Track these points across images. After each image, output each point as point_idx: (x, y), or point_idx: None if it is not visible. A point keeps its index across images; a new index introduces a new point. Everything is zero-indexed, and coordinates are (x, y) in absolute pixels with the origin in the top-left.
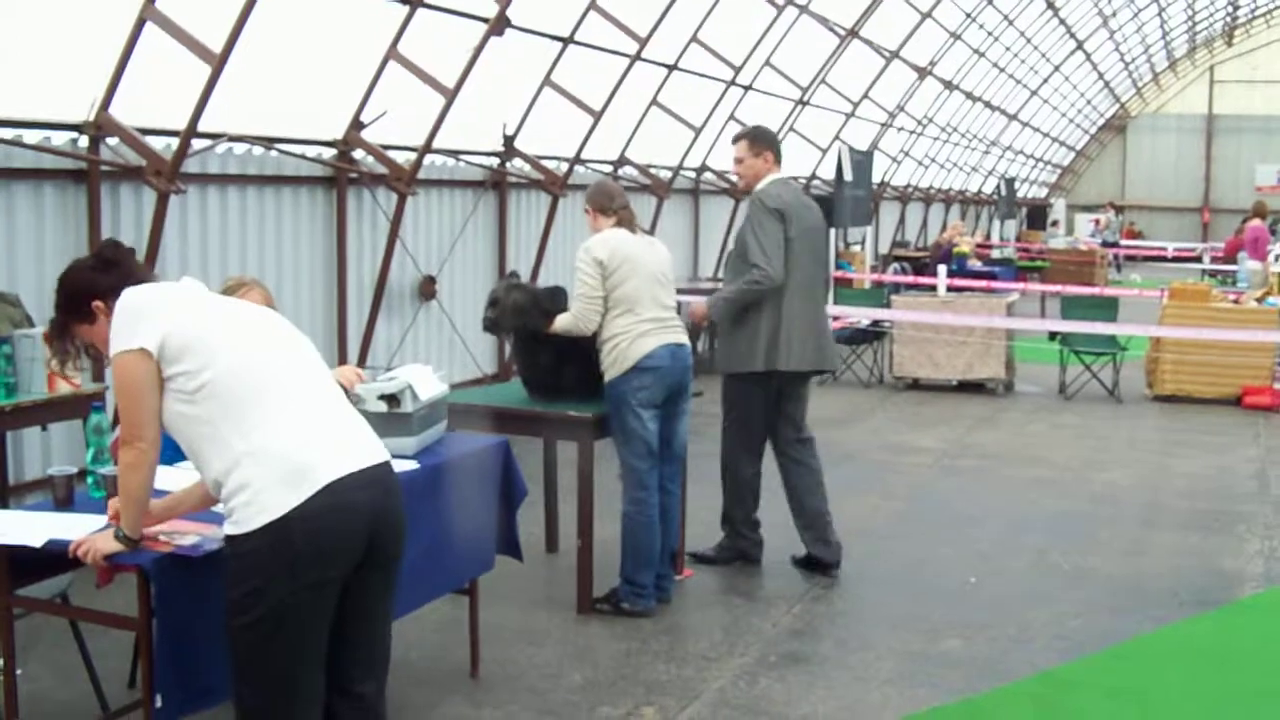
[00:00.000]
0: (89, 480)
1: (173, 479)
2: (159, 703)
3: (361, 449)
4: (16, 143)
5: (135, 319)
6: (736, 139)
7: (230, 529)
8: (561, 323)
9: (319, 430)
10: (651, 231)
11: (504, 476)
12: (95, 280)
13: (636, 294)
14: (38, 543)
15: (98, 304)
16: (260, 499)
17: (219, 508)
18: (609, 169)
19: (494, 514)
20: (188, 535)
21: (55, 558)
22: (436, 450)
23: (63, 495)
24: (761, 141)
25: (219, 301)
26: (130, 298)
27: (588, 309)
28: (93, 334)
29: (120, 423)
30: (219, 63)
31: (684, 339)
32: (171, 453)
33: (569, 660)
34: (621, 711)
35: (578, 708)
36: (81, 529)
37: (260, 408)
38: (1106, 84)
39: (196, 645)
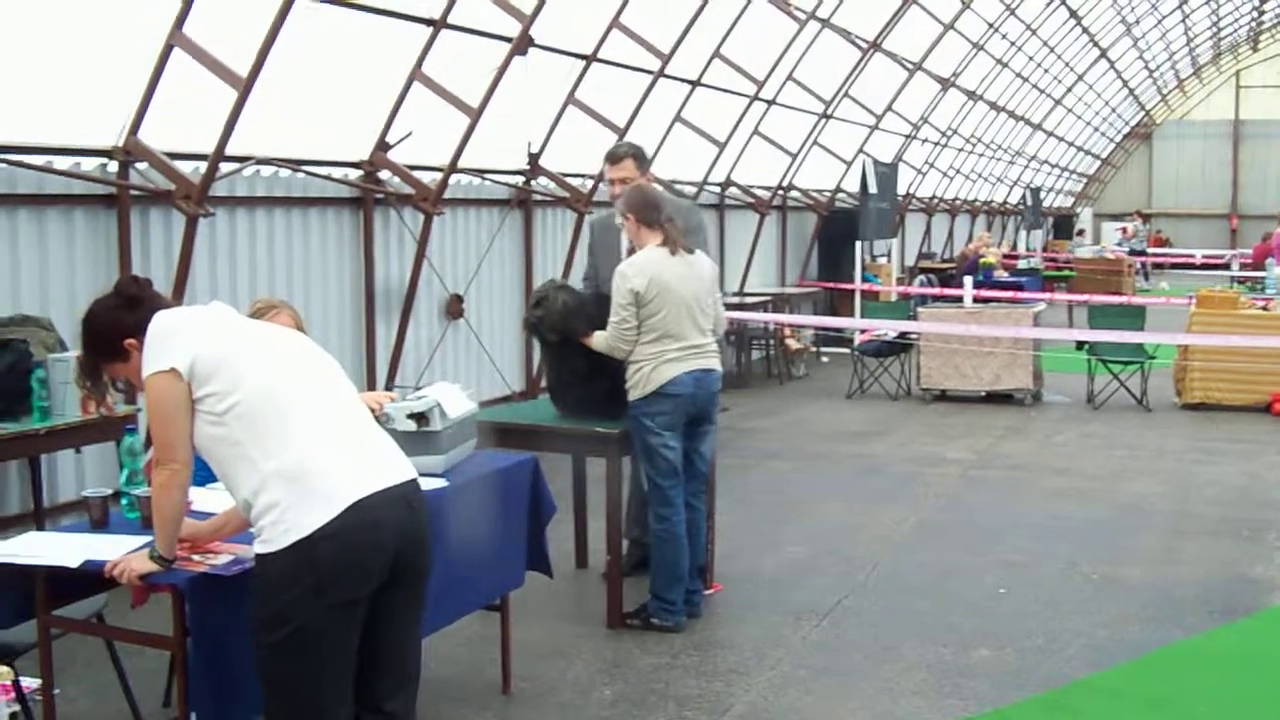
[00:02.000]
0: (123, 502)
1: (209, 500)
2: None
3: (387, 467)
4: (48, 169)
5: (165, 341)
6: (620, 159)
7: (259, 548)
8: (597, 341)
9: (345, 450)
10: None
11: (533, 493)
12: (122, 319)
13: (670, 323)
14: (74, 563)
15: (130, 342)
16: (287, 518)
17: (251, 529)
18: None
19: (523, 530)
20: (221, 555)
21: (91, 578)
22: (465, 468)
23: (98, 516)
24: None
25: (247, 324)
26: (161, 322)
27: (621, 337)
28: (127, 370)
29: (153, 444)
30: (245, 87)
31: (713, 364)
32: (205, 474)
33: (600, 675)
34: None
35: None
36: (117, 550)
37: (286, 429)
38: (1131, 91)
39: (231, 663)
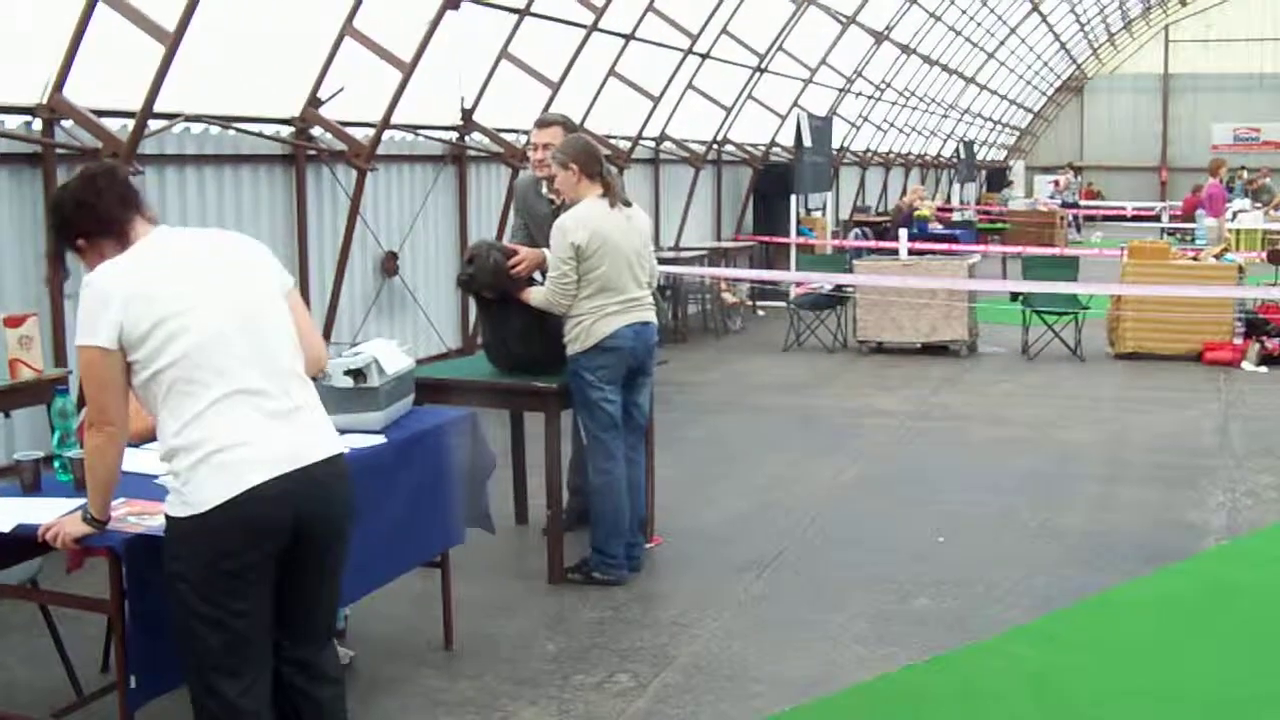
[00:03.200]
0: (55, 465)
1: (140, 460)
2: (133, 683)
3: (302, 447)
4: None
5: (96, 313)
6: (548, 124)
7: (166, 508)
8: (535, 297)
9: (257, 428)
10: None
11: (472, 449)
12: (74, 220)
13: (610, 277)
14: (5, 528)
15: (81, 242)
16: (185, 490)
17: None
18: None
19: (463, 486)
20: (157, 516)
21: (24, 543)
22: (404, 424)
23: (30, 480)
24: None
25: (181, 267)
26: (95, 285)
27: (561, 292)
28: (84, 262)
29: (86, 406)
30: (173, 42)
31: (650, 317)
32: None
33: (542, 630)
34: (596, 679)
35: (552, 676)
36: (49, 513)
37: (200, 402)
38: (1063, 46)
39: (168, 625)
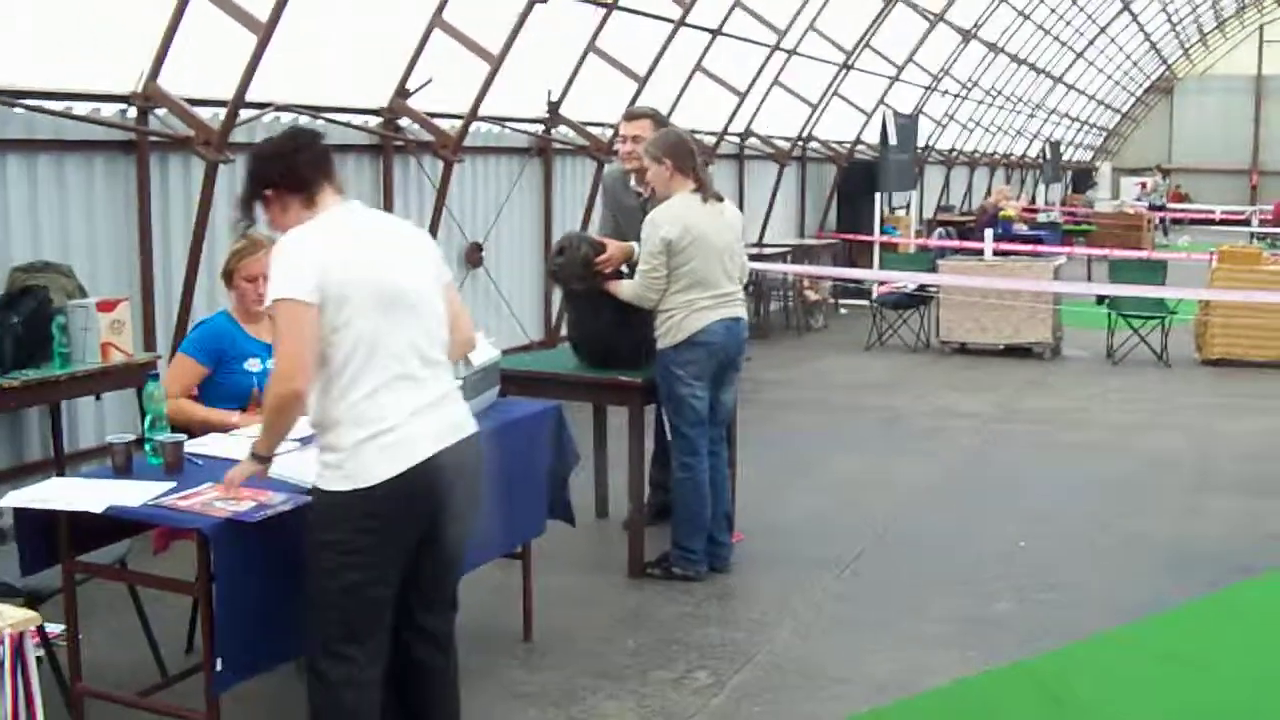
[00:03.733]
0: (146, 448)
1: (230, 445)
2: (219, 666)
3: (456, 423)
4: (67, 115)
5: (299, 265)
6: (637, 117)
7: (319, 481)
8: (625, 290)
9: (420, 405)
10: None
11: (556, 442)
12: (266, 170)
13: (701, 273)
14: (98, 508)
15: (269, 193)
16: (348, 466)
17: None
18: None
19: (546, 479)
20: (245, 501)
21: (114, 525)
22: (489, 416)
23: (121, 462)
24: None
25: (372, 245)
26: (293, 244)
27: (650, 286)
28: (265, 212)
29: (276, 358)
30: (266, 32)
31: (741, 313)
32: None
33: (622, 624)
34: (675, 675)
35: (631, 671)
36: (140, 495)
37: (372, 382)
38: (1153, 45)
39: (255, 609)
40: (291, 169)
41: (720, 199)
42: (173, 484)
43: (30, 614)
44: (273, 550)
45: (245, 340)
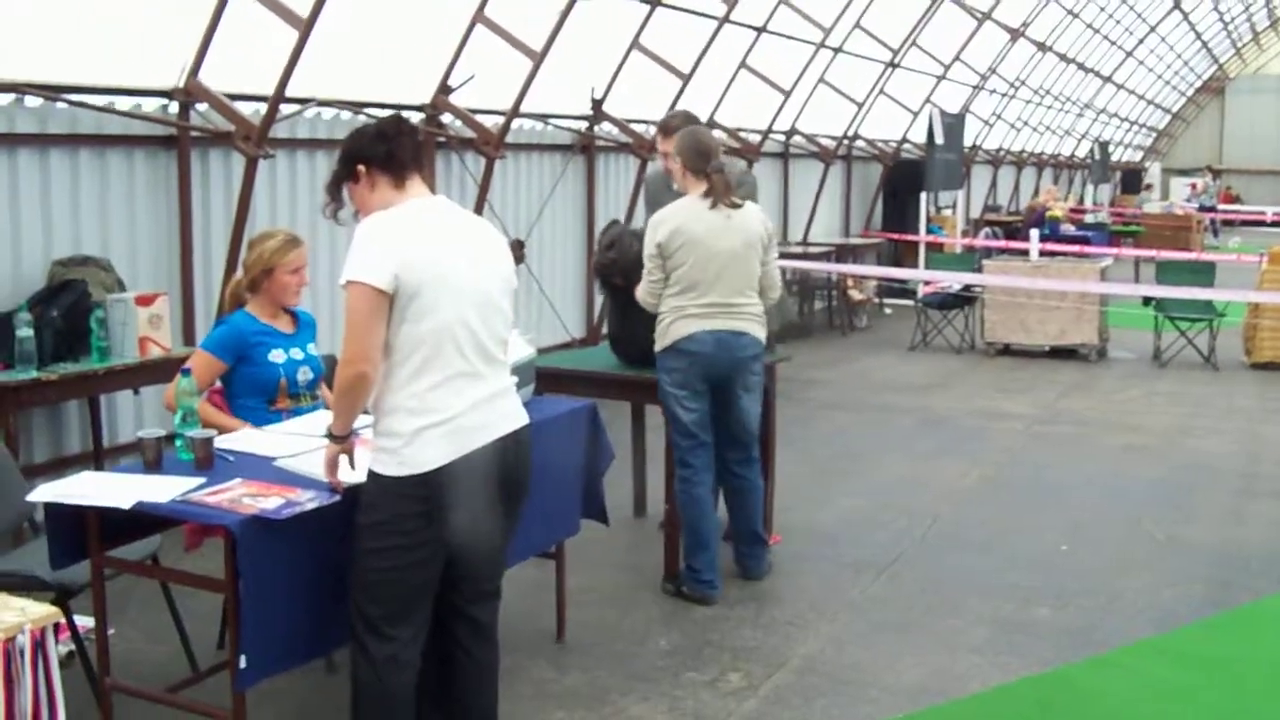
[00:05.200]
0: (177, 443)
1: (261, 442)
2: (243, 664)
3: (508, 414)
4: (109, 109)
5: (379, 251)
6: (672, 131)
7: (375, 465)
8: (638, 291)
9: (478, 396)
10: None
11: (591, 440)
12: (365, 147)
13: (694, 277)
14: (126, 504)
15: (360, 167)
16: (405, 453)
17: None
18: None
19: (580, 478)
20: (272, 497)
21: (146, 520)
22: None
23: (152, 458)
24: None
25: (452, 240)
26: (376, 228)
27: (648, 290)
28: (352, 191)
29: (345, 340)
30: (306, 28)
31: (744, 326)
32: (258, 415)
33: (655, 625)
34: (708, 677)
35: (663, 673)
36: (169, 491)
37: (439, 375)
38: (1204, 44)
39: (281, 607)
40: (392, 150)
41: (737, 205)
42: (202, 479)
43: (52, 610)
44: (299, 548)
45: (266, 333)
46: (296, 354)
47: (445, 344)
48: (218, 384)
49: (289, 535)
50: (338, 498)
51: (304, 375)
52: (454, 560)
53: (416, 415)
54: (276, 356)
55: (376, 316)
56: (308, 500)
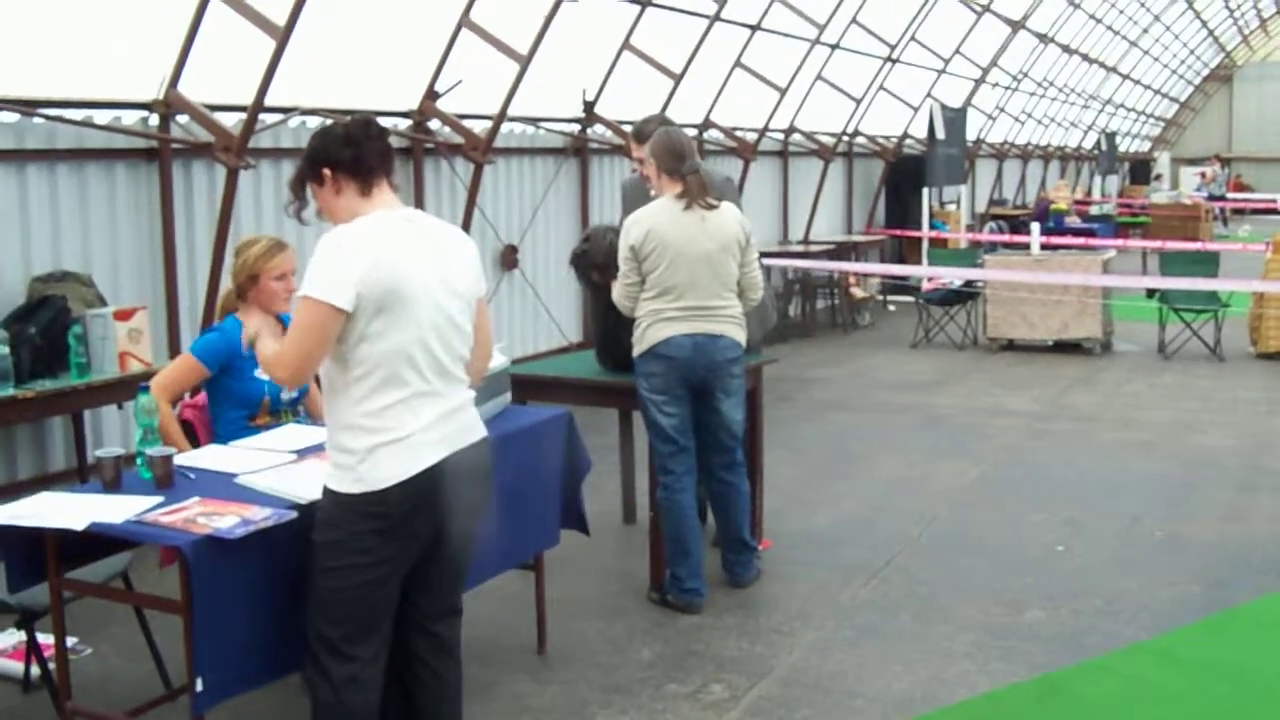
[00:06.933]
0: (138, 462)
1: (222, 458)
2: (200, 686)
3: (466, 429)
4: (88, 124)
5: (336, 267)
6: (646, 138)
7: (329, 482)
8: (614, 293)
9: (432, 422)
10: (739, 192)
11: (568, 449)
12: (332, 151)
13: (669, 280)
14: (80, 526)
15: (326, 171)
16: (360, 470)
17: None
18: (694, 133)
19: (558, 487)
20: (228, 516)
21: (110, 539)
22: (496, 423)
23: (110, 477)
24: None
25: (418, 253)
26: (337, 242)
27: (624, 293)
28: (317, 193)
29: (286, 344)
30: (283, 36)
31: (722, 329)
32: (232, 431)
33: (639, 635)
34: (689, 689)
35: (644, 684)
36: (125, 511)
37: (396, 395)
38: (1210, 32)
39: (239, 628)
40: (359, 155)
41: (712, 206)
42: (160, 498)
43: None
44: (255, 568)
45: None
46: None
47: (402, 366)
48: (200, 397)
49: (245, 554)
50: (294, 514)
51: (287, 393)
52: (413, 576)
53: (372, 434)
54: (263, 373)
55: (326, 334)
56: (262, 519)
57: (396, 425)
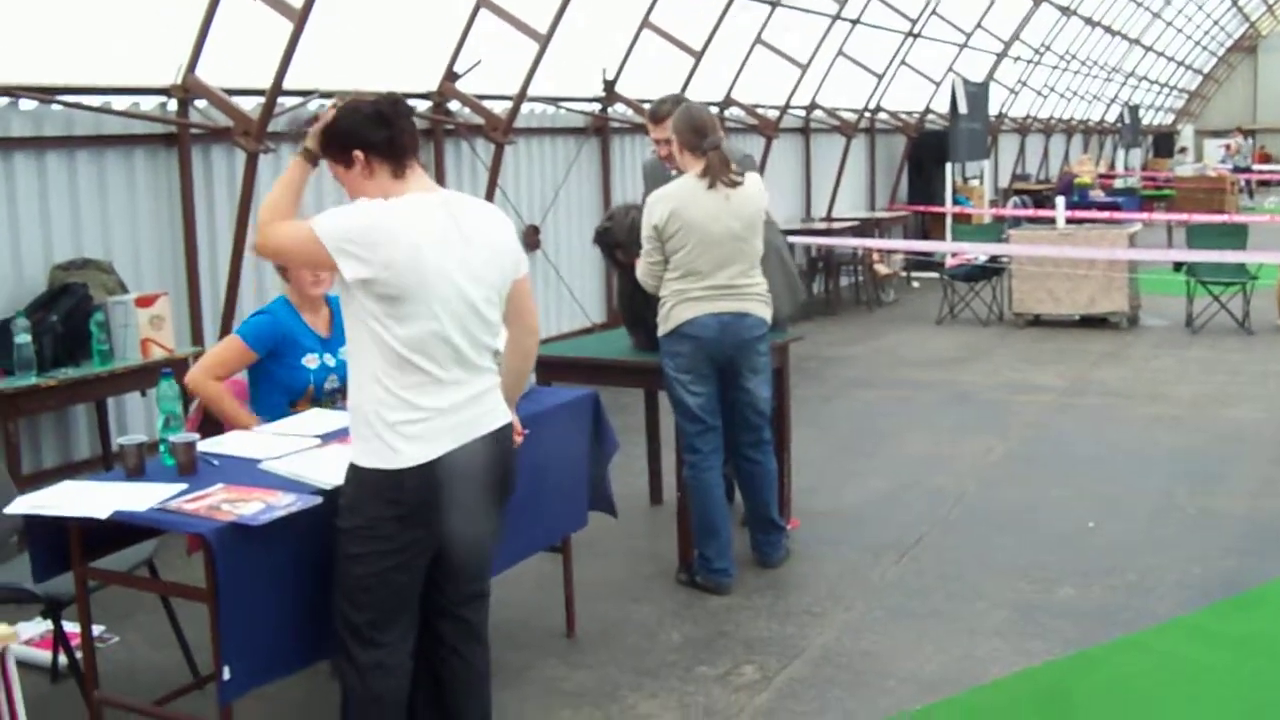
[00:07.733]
0: (161, 449)
1: (248, 444)
2: (227, 675)
3: (488, 413)
4: (106, 110)
5: (360, 236)
6: (663, 118)
7: (353, 456)
8: (637, 271)
9: (457, 405)
10: (761, 170)
11: (594, 430)
12: (364, 132)
13: (694, 260)
14: (103, 514)
15: (358, 153)
16: (375, 444)
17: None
18: (715, 111)
19: (585, 469)
20: (252, 502)
21: (137, 527)
22: (523, 405)
23: (133, 465)
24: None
25: (451, 238)
26: (376, 217)
27: (648, 271)
28: (342, 176)
29: (279, 227)
30: (300, 19)
31: (749, 308)
32: (271, 415)
33: (669, 617)
34: (720, 671)
35: (675, 667)
36: (149, 499)
37: (421, 378)
38: (1234, 2)
39: (263, 616)
40: (393, 135)
41: (735, 183)
42: (184, 485)
43: (9, 630)
44: (281, 554)
45: (304, 334)
46: (329, 360)
47: (420, 356)
48: (241, 375)
49: (270, 541)
50: (319, 500)
51: (330, 383)
52: (438, 561)
53: (395, 410)
54: (310, 361)
55: (305, 249)
56: (286, 505)
57: (419, 405)
